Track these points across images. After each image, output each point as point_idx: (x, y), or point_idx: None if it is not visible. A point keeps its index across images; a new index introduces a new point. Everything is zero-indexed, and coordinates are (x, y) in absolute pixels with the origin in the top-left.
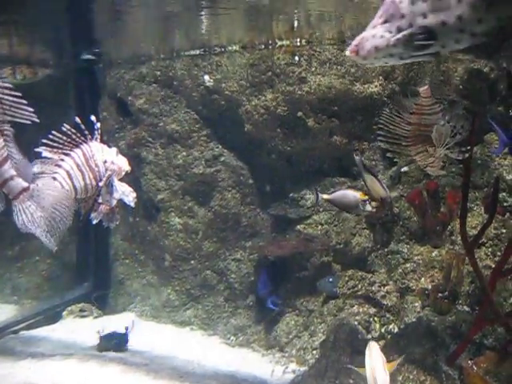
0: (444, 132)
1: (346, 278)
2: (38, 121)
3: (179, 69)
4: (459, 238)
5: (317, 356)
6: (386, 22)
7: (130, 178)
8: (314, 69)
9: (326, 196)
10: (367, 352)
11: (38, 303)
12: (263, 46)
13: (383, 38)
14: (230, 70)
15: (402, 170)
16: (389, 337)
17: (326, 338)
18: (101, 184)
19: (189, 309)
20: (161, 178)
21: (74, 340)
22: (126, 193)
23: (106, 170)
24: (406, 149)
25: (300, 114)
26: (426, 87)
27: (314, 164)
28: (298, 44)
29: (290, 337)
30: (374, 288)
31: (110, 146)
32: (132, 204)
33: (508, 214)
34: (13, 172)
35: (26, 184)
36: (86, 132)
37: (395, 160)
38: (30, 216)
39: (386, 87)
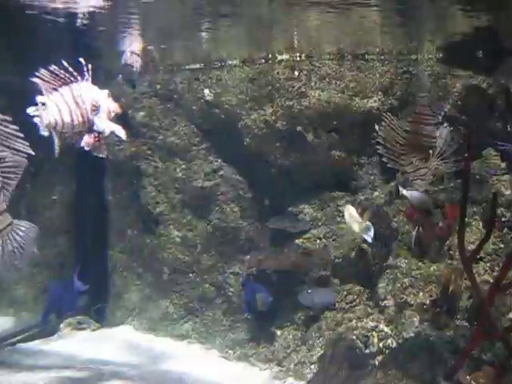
0: (445, 136)
1: (345, 293)
2: (33, 153)
3: (179, 82)
4: (457, 252)
5: (315, 370)
6: None
7: (130, 191)
8: (313, 83)
9: (405, 192)
10: (346, 211)
11: (36, 315)
12: (263, 61)
13: None
14: (229, 84)
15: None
16: (387, 351)
17: (324, 353)
18: (89, 116)
19: (187, 322)
20: (160, 191)
21: (71, 352)
22: (115, 129)
23: (95, 108)
24: (400, 158)
25: (299, 128)
26: (423, 96)
27: (313, 178)
28: (298, 59)
29: (288, 351)
30: (372, 302)
31: (102, 88)
32: (123, 137)
33: (506, 229)
34: (3, 207)
35: (10, 219)
36: (76, 73)
37: (391, 168)
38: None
39: (385, 102)
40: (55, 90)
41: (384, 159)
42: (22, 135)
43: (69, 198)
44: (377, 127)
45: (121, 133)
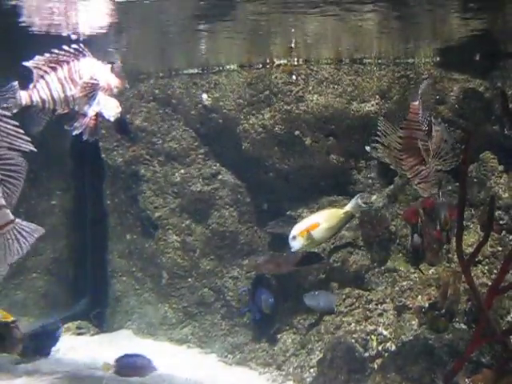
0: (440, 133)
1: (344, 296)
2: (35, 150)
3: (177, 87)
4: (456, 255)
5: (314, 374)
6: None
7: (128, 196)
8: (311, 88)
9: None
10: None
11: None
12: (261, 65)
13: None
14: (227, 89)
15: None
16: (386, 355)
17: (324, 356)
18: (76, 93)
19: (186, 326)
20: (158, 196)
21: (70, 357)
22: (107, 106)
23: (92, 84)
24: (399, 162)
25: (297, 132)
26: (416, 103)
27: (311, 182)
28: (296, 63)
29: (288, 355)
30: (371, 306)
31: (106, 63)
32: (111, 118)
33: (504, 231)
34: (2, 202)
35: (12, 217)
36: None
37: (389, 171)
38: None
39: (383, 106)
40: (53, 68)
41: (387, 160)
42: (22, 131)
43: (68, 203)
44: (368, 148)
45: (110, 112)
